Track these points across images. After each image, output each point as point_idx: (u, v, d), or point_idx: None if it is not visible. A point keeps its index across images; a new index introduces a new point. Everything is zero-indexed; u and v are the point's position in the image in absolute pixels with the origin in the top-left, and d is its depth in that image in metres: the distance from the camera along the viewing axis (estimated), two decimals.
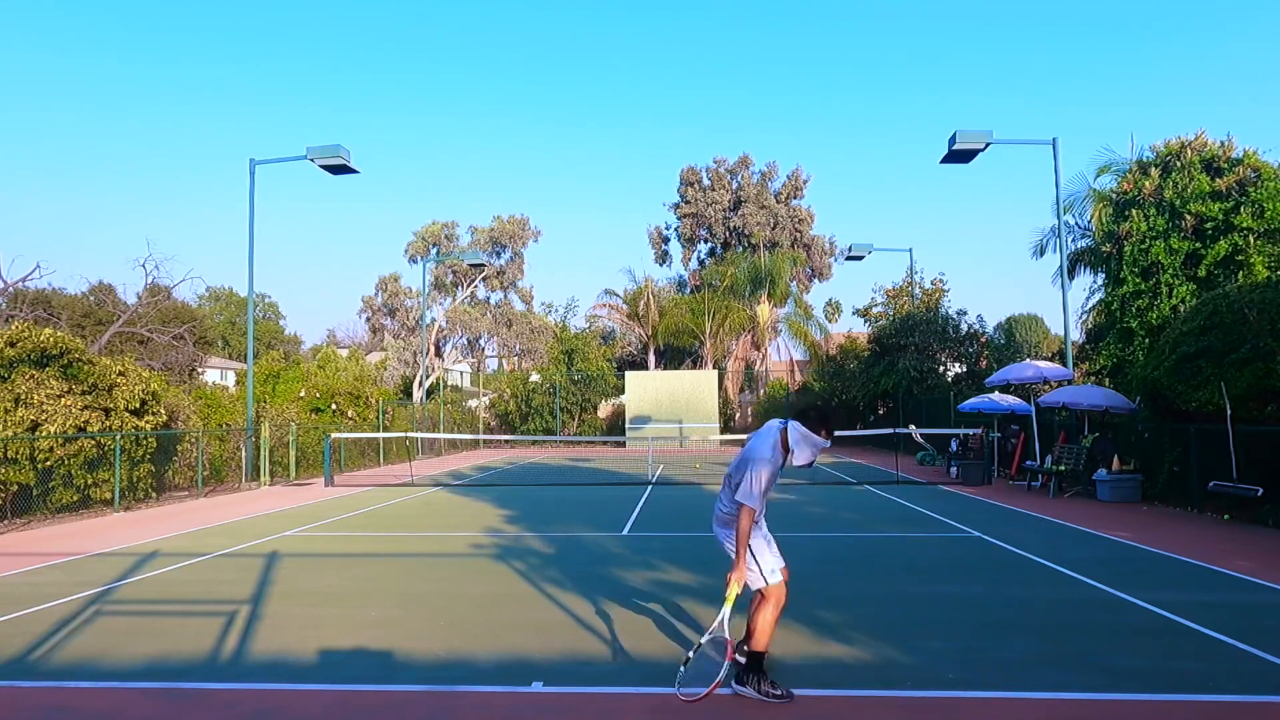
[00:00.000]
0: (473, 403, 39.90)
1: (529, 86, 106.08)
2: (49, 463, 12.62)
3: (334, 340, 60.24)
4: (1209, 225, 14.28)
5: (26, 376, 12.94)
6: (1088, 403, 14.79)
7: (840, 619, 6.08)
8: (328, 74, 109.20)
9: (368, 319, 45.71)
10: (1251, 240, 13.67)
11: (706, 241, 49.13)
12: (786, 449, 4.36)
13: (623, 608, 6.54)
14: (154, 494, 15.13)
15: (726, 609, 4.34)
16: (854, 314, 39.30)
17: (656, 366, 42.71)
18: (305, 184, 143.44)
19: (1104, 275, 16.81)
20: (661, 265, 51.31)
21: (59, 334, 13.90)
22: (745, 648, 4.53)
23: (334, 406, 24.76)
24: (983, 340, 30.14)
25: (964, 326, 29.68)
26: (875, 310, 37.47)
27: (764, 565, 4.46)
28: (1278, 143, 57.28)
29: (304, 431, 21.15)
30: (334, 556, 9.14)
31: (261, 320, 62.14)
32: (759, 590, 4.50)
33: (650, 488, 16.33)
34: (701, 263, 48.86)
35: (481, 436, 31.33)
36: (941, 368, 29.34)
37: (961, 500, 13.91)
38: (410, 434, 24.49)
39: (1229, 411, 11.10)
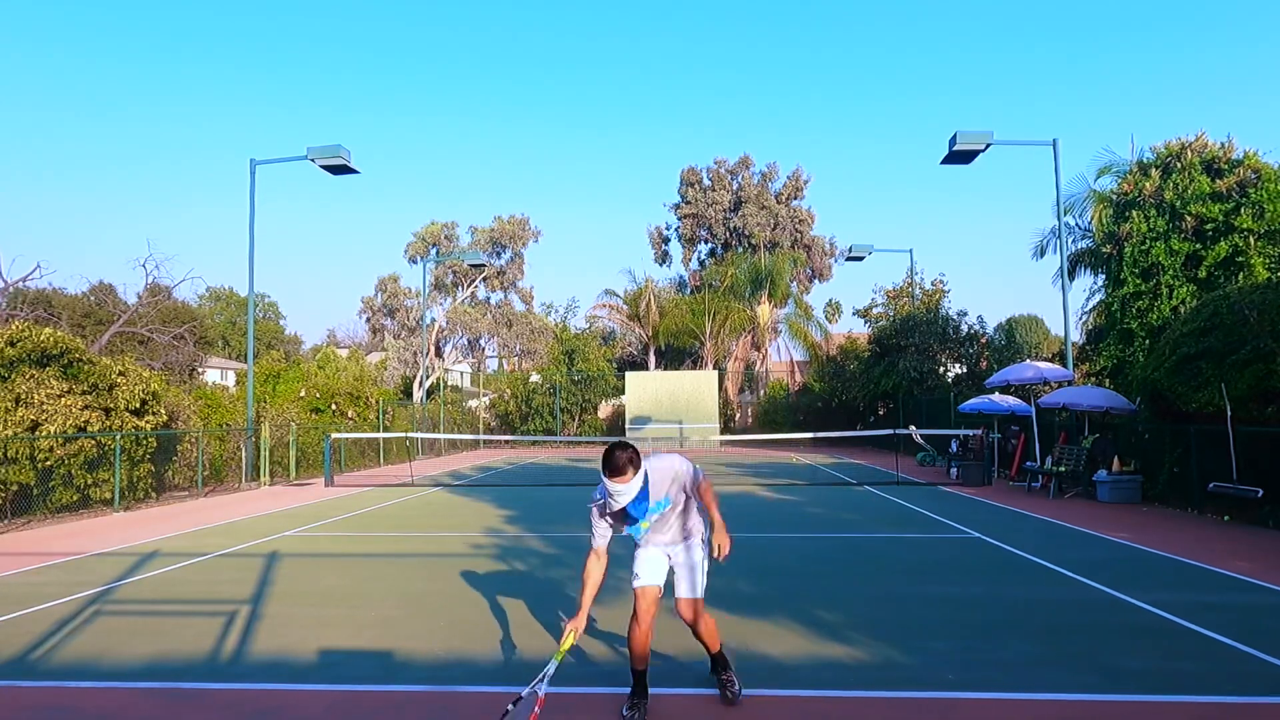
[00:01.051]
0: (473, 403, 39.92)
1: (529, 87, 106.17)
2: (49, 462, 12.61)
3: (334, 340, 60.25)
4: (1209, 226, 14.29)
5: (27, 376, 12.94)
6: (1088, 404, 14.80)
7: (839, 619, 6.08)
8: (328, 74, 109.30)
9: (368, 319, 45.70)
10: (1252, 241, 13.68)
11: (707, 242, 49.13)
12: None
13: (622, 608, 6.53)
14: (154, 494, 15.13)
15: (553, 664, 4.00)
16: (854, 315, 39.35)
17: (657, 367, 42.72)
18: (305, 184, 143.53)
19: (1104, 276, 16.82)
20: (662, 266, 51.32)
21: (59, 334, 13.90)
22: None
23: (334, 407, 24.77)
24: (983, 341, 30.15)
25: (964, 327, 29.70)
26: (875, 311, 37.51)
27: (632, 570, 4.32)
28: (1278, 144, 57.31)
29: (304, 431, 21.15)
30: (334, 556, 9.14)
31: (261, 320, 62.15)
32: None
33: None
34: (702, 263, 48.86)
35: (481, 437, 31.34)
36: (941, 368, 29.35)
37: (961, 501, 13.91)
38: (410, 434, 24.50)
39: (1229, 412, 11.10)
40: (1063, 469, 14.49)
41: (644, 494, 3.91)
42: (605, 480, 3.84)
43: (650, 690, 4.35)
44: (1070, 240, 22.95)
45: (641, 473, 3.85)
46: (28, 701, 4.60)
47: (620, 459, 3.81)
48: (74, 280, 72.37)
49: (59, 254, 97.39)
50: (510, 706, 3.87)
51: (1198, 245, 14.46)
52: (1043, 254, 26.56)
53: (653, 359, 43.49)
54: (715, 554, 4.20)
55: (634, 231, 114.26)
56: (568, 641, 4.00)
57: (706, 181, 48.07)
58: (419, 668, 5.08)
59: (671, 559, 4.32)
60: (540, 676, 3.96)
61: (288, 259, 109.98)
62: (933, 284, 35.80)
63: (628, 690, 4.33)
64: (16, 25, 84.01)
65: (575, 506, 13.52)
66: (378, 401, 26.78)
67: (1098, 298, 18.42)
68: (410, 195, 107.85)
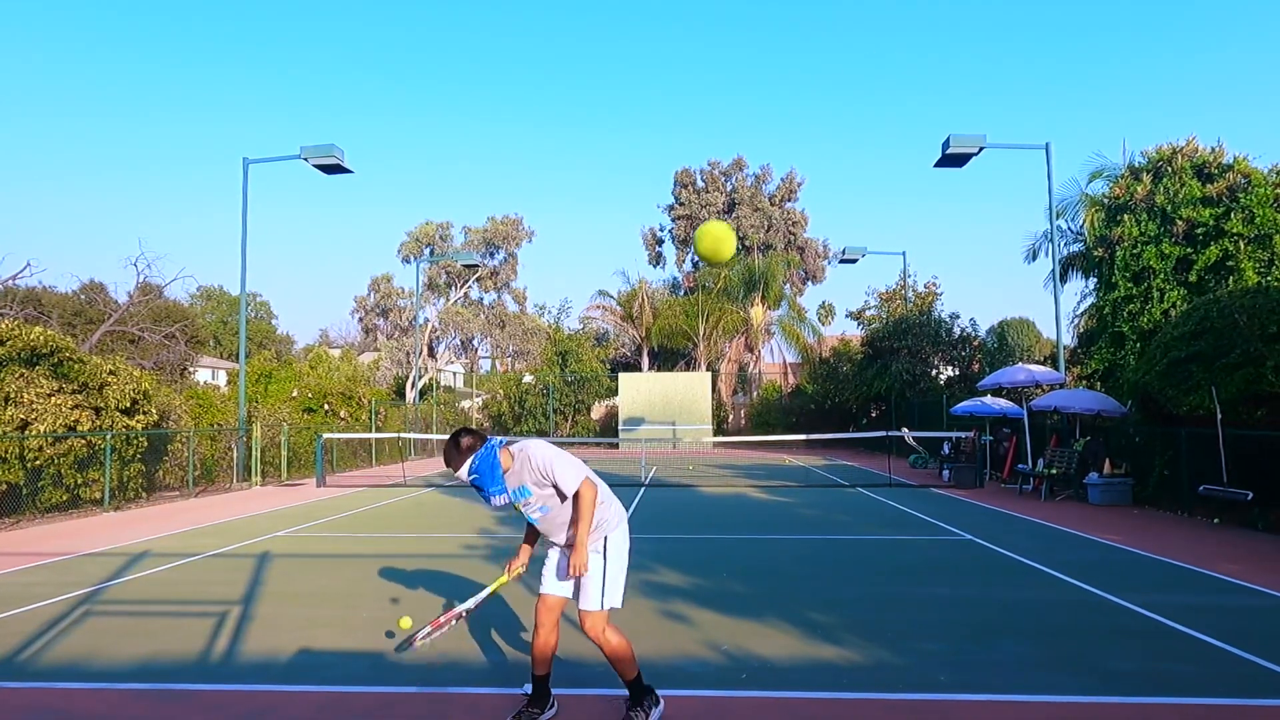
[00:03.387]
0: (466, 403, 39.87)
1: (523, 87, 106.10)
2: (38, 462, 12.53)
3: (326, 340, 60.08)
4: (1200, 231, 14.37)
5: (16, 375, 12.85)
6: (1079, 406, 14.86)
7: (832, 621, 6.09)
8: (322, 75, 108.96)
9: (360, 319, 45.63)
10: (1242, 246, 13.76)
11: None
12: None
13: (615, 609, 6.53)
14: (144, 494, 15.05)
15: (487, 591, 4.49)
16: (847, 317, 39.32)
17: (650, 368, 42.73)
18: (298, 184, 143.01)
19: (1096, 280, 16.89)
20: (655, 267, 51.41)
21: (49, 332, 13.81)
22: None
23: (326, 407, 24.68)
24: (975, 344, 30.25)
25: (956, 330, 29.78)
26: (868, 313, 37.54)
27: None
28: (1268, 149, 57.74)
29: (296, 432, 21.08)
30: (326, 557, 9.11)
31: (253, 320, 61.86)
32: None
33: (643, 490, 16.33)
34: (695, 265, 48.89)
35: None
36: (934, 371, 29.44)
37: (953, 503, 13.95)
38: (403, 434, 24.44)
39: (1219, 415, 11.16)
40: (1054, 471, 14.54)
41: (488, 480, 3.96)
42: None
43: (621, 692, 4.29)
44: (1062, 244, 23.07)
45: (473, 459, 3.92)
46: (17, 702, 4.57)
47: (450, 446, 3.96)
48: (64, 279, 71.95)
49: (49, 252, 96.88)
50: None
51: (1188, 249, 14.54)
52: (1035, 257, 26.73)
53: (646, 360, 43.50)
54: (570, 570, 3.92)
55: (628, 232, 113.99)
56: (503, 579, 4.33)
57: (700, 183, 48.15)
58: (410, 669, 5.07)
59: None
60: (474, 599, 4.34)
61: (280, 258, 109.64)
62: (925, 286, 35.86)
63: (613, 692, 4.33)
64: (9, 25, 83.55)
65: None
66: (370, 402, 26.71)
67: (1089, 301, 18.51)
68: (404, 195, 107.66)
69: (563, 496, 3.96)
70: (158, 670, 5.06)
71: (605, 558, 4.03)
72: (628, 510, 12.94)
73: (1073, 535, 10.32)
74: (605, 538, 4.07)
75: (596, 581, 4.01)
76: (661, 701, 4.20)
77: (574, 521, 3.97)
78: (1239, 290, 12.41)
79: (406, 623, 5.03)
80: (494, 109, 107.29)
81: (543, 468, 3.89)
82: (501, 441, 4.07)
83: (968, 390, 23.86)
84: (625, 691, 4.19)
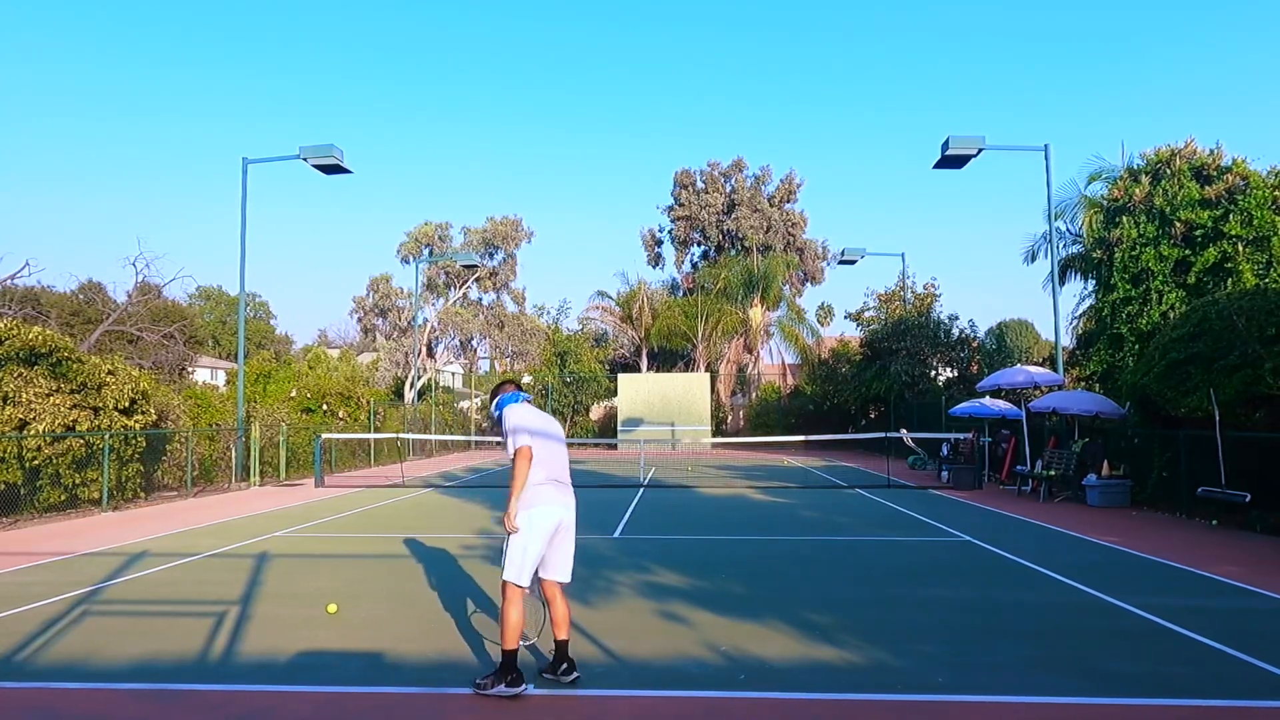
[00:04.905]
0: (464, 404, 39.86)
1: (523, 88, 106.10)
2: (37, 462, 12.51)
3: (325, 340, 60.05)
4: (1198, 233, 14.39)
5: (14, 375, 12.83)
6: (1078, 408, 14.88)
7: (830, 622, 6.09)
8: (322, 77, 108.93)
9: (359, 319, 45.56)
10: (1240, 248, 13.78)
11: (700, 244, 49.14)
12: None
13: (613, 610, 6.54)
14: (143, 494, 15.03)
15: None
16: (846, 318, 39.30)
17: (649, 369, 42.72)
18: (298, 184, 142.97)
19: (1095, 281, 16.91)
20: (654, 268, 51.30)
21: (48, 332, 13.80)
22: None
23: (325, 407, 24.66)
24: (974, 345, 30.27)
25: (955, 331, 29.80)
26: (867, 314, 37.54)
27: None
28: (1266, 151, 57.82)
29: (295, 432, 21.06)
30: (324, 557, 9.10)
31: (252, 320, 61.78)
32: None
33: (642, 490, 16.33)
34: (695, 265, 48.87)
35: (473, 438, 31.27)
36: (933, 372, 29.45)
37: (952, 504, 13.96)
38: (401, 435, 24.43)
39: (1218, 417, 11.17)
40: (1052, 473, 14.55)
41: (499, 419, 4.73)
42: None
43: (647, 692, 4.35)
44: (1061, 245, 23.09)
45: (499, 399, 4.77)
46: (14, 702, 4.56)
47: (496, 386, 4.94)
48: (63, 278, 71.93)
49: (48, 251, 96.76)
50: None
51: (1187, 251, 14.56)
52: (1034, 259, 26.75)
53: (645, 361, 43.49)
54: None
55: (627, 233, 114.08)
56: None
57: (700, 184, 48.10)
58: (409, 669, 5.07)
59: None
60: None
61: (279, 258, 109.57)
62: (924, 288, 35.88)
63: (645, 693, 4.45)
64: (9, 25, 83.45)
65: None
66: (369, 402, 26.70)
67: (1088, 303, 18.53)
68: (403, 196, 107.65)
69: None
70: (156, 670, 5.06)
71: (509, 533, 4.47)
72: (626, 511, 12.94)
73: (1071, 537, 10.33)
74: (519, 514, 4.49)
75: (507, 549, 4.50)
76: (524, 687, 4.49)
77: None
78: (1237, 292, 12.42)
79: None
80: (494, 110, 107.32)
81: (505, 428, 4.58)
82: (527, 398, 4.84)
83: (966, 391, 23.87)
84: (633, 693, 4.27)
